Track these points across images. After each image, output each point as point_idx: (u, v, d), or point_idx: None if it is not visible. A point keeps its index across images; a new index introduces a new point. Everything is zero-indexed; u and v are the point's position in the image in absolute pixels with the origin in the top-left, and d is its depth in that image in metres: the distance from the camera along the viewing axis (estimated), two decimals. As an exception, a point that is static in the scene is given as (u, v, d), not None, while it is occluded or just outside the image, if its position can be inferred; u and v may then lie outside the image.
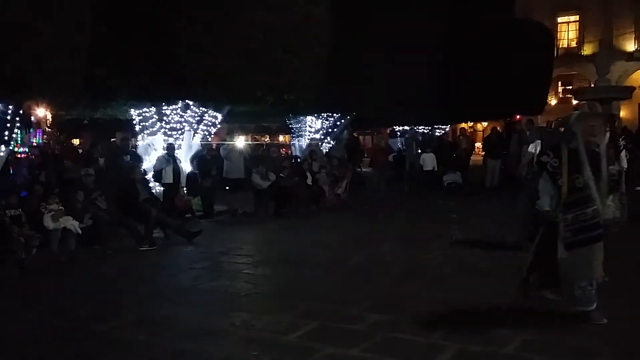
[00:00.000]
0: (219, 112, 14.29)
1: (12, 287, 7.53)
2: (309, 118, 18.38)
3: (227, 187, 14.31)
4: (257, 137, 30.05)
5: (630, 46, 33.60)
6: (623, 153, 10.08)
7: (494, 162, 17.73)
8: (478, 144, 27.04)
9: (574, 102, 26.54)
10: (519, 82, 18.89)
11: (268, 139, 30.48)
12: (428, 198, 16.25)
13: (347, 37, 14.25)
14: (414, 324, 5.53)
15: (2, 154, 10.51)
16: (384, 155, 19.25)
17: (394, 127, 23.58)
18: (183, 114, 13.45)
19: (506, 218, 11.43)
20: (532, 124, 16.47)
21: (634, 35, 33.61)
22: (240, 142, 17.37)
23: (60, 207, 9.00)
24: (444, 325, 5.55)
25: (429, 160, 18.35)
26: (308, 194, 14.32)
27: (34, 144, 16.26)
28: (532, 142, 11.12)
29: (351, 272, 7.92)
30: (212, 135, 15.17)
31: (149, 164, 13.16)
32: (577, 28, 35.50)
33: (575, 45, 35.28)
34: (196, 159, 14.11)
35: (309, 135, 18.78)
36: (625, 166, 10.14)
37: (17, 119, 10.66)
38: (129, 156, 13.04)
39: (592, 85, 23.73)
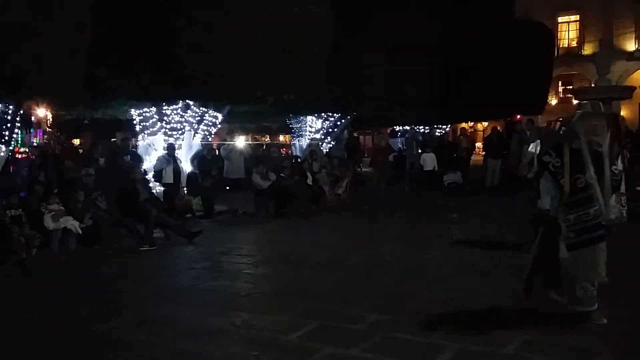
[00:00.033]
0: (219, 112, 14.30)
1: (12, 287, 7.54)
2: (309, 118, 18.38)
3: (228, 187, 14.31)
4: (257, 137, 30.04)
5: (630, 46, 33.58)
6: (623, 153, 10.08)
7: (495, 162, 17.73)
8: (478, 144, 27.03)
9: (574, 101, 26.56)
10: (519, 82, 18.88)
11: (268, 139, 30.48)
12: (428, 198, 16.25)
13: (347, 37, 14.25)
14: (414, 324, 5.53)
15: (2, 154, 10.52)
16: (384, 155, 19.25)
17: (394, 127, 23.59)
18: (183, 114, 13.46)
19: (506, 218, 11.45)
20: (532, 124, 16.46)
21: (634, 35, 33.59)
22: (241, 142, 17.36)
23: (61, 207, 9.01)
24: (444, 325, 5.55)
25: (429, 160, 18.35)
26: (308, 193, 14.33)
27: (34, 144, 16.27)
28: (532, 142, 11.12)
29: (351, 272, 7.92)
30: (213, 136, 15.18)
31: (149, 164, 13.17)
32: (578, 28, 35.48)
33: (575, 45, 35.26)
34: (196, 159, 14.12)
35: (309, 135, 18.78)
36: (620, 168, 10.13)
37: (17, 119, 10.67)
38: (129, 156, 13.05)
39: (593, 85, 23.74)
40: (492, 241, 9.51)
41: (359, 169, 19.47)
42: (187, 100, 13.09)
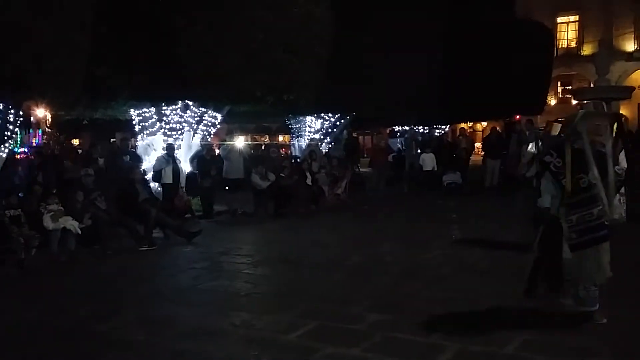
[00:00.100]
0: (219, 112, 14.30)
1: (12, 287, 7.53)
2: (308, 118, 18.39)
3: (227, 187, 14.30)
4: (256, 137, 30.03)
5: (629, 46, 33.59)
6: (622, 153, 10.08)
7: (494, 162, 17.73)
8: (478, 144, 27.02)
9: (574, 102, 26.57)
10: (518, 82, 18.89)
11: (267, 139, 30.47)
12: (427, 198, 16.26)
13: (347, 37, 14.25)
14: (414, 323, 5.52)
15: (2, 154, 10.51)
16: (384, 155, 19.26)
17: (394, 127, 23.59)
18: (183, 114, 13.46)
19: (506, 218, 11.47)
20: (531, 124, 16.48)
21: (633, 36, 33.59)
22: (240, 142, 17.35)
23: (60, 207, 9.00)
24: (444, 325, 5.55)
25: (428, 160, 18.35)
26: (308, 194, 14.33)
27: (33, 144, 16.26)
28: (531, 142, 11.12)
29: (351, 272, 7.91)
30: (212, 136, 15.18)
31: (148, 164, 13.17)
32: (577, 28, 35.49)
33: (575, 45, 35.26)
34: (196, 159, 14.11)
35: (308, 136, 18.79)
36: (625, 166, 10.14)
37: (17, 119, 10.66)
38: (128, 156, 13.04)
39: (592, 85, 23.74)
40: (491, 241, 9.51)
41: (357, 169, 19.47)
42: (186, 101, 13.08)
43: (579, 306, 5.51)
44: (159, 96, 12.44)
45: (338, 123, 19.16)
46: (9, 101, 10.01)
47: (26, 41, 8.62)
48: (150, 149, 13.59)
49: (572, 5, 34.58)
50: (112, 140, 18.94)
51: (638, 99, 28.60)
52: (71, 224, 8.90)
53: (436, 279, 7.34)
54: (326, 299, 6.47)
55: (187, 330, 5.55)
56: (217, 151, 16.12)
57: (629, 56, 33.03)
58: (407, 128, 22.33)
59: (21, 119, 11.30)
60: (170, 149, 12.68)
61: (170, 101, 13.02)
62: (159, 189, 12.45)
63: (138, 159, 13.04)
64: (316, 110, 17.19)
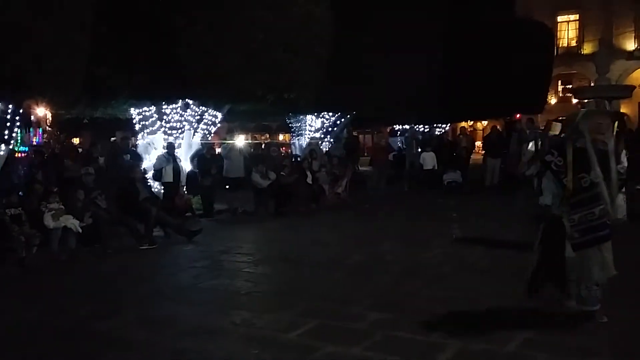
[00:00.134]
0: (219, 111, 14.30)
1: (12, 286, 7.54)
2: (309, 117, 18.39)
3: (227, 186, 14.30)
4: (257, 136, 30.04)
5: (630, 45, 33.59)
6: (623, 152, 10.10)
7: (494, 161, 17.73)
8: (478, 143, 27.03)
9: (574, 101, 26.58)
10: (518, 82, 18.90)
11: (268, 137, 30.48)
12: (428, 197, 16.26)
13: (347, 37, 14.26)
14: (415, 322, 5.52)
15: (2, 153, 10.51)
16: (384, 154, 19.26)
17: (394, 126, 23.58)
18: (183, 113, 13.45)
19: (506, 217, 11.48)
20: (532, 123, 16.50)
21: (633, 34, 33.61)
22: (240, 141, 17.36)
23: (61, 206, 9.01)
24: (445, 323, 5.55)
25: (429, 159, 18.35)
26: (308, 192, 14.33)
27: (34, 143, 16.25)
28: (531, 141, 11.13)
29: (351, 270, 7.92)
30: (212, 135, 15.18)
31: (149, 163, 13.17)
32: (577, 27, 35.51)
33: (575, 44, 35.28)
34: (196, 157, 14.12)
35: (309, 134, 18.79)
36: (626, 165, 10.17)
37: (17, 118, 10.65)
38: (129, 155, 13.05)
39: (592, 84, 23.76)
40: (492, 240, 9.51)
41: (357, 169, 19.47)
42: (186, 99, 13.08)
43: (581, 306, 5.50)
44: (159, 95, 12.44)
45: (338, 122, 19.16)
46: (9, 100, 10.01)
47: (26, 41, 8.61)
48: (150, 148, 13.59)
49: (572, 5, 34.59)
50: (112, 139, 18.94)
51: (638, 98, 28.58)
52: (72, 222, 8.90)
53: (437, 278, 7.34)
54: (327, 298, 6.47)
55: (188, 329, 5.56)
56: (217, 150, 16.12)
57: (630, 55, 33.05)
58: (407, 127, 22.34)
59: (21, 118, 11.30)
60: (170, 147, 12.69)
61: (170, 100, 13.02)
62: (160, 188, 12.46)
63: (138, 158, 13.05)
64: (316, 110, 17.20)
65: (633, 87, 23.33)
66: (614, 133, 5.67)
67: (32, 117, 15.50)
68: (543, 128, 13.89)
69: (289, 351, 4.99)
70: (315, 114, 18.08)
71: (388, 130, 24.15)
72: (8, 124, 10.28)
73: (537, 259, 5.96)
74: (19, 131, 12.24)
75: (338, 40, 13.91)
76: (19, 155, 13.22)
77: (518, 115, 20.97)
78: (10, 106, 10.14)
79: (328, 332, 5.37)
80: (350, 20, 14.54)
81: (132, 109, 13.61)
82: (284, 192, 13.65)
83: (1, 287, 7.45)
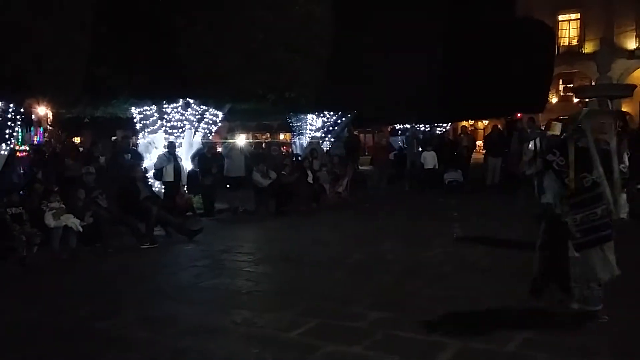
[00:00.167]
0: (220, 111, 14.30)
1: (13, 285, 7.55)
2: (309, 116, 18.40)
3: (228, 185, 14.30)
4: (257, 135, 30.04)
5: (631, 44, 33.57)
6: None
7: (495, 160, 17.72)
8: (479, 142, 27.04)
9: (575, 100, 26.56)
10: (519, 81, 18.89)
11: (269, 137, 30.47)
12: (429, 196, 16.25)
13: (348, 37, 14.26)
14: (415, 321, 5.52)
15: (3, 152, 10.52)
16: (385, 153, 19.26)
17: (395, 125, 23.58)
18: (184, 112, 13.46)
19: (507, 216, 11.47)
20: (533, 122, 16.48)
21: (635, 33, 33.58)
22: (241, 140, 17.37)
23: (62, 205, 9.02)
24: (445, 323, 5.55)
25: (429, 158, 18.33)
26: (309, 192, 14.33)
27: (35, 142, 16.27)
28: (532, 140, 11.11)
29: (352, 270, 7.92)
30: (213, 134, 15.19)
31: (149, 162, 13.18)
32: (578, 26, 35.48)
33: (576, 44, 35.26)
34: (197, 157, 14.13)
35: (309, 134, 18.79)
36: (627, 164, 10.15)
37: (19, 117, 10.66)
38: (129, 154, 13.05)
39: (593, 83, 23.73)
40: (493, 239, 9.51)
41: (356, 168, 19.47)
42: (187, 99, 13.09)
43: (584, 306, 5.49)
44: (160, 96, 12.44)
45: (339, 121, 19.16)
46: (10, 100, 10.01)
47: (26, 41, 8.63)
48: (151, 147, 13.60)
49: (573, 3, 34.58)
50: (113, 138, 18.94)
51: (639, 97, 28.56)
52: (73, 221, 8.91)
53: (437, 277, 7.34)
54: (327, 297, 6.47)
55: (189, 328, 5.56)
56: (218, 149, 16.13)
57: (631, 54, 33.03)
58: (408, 126, 22.34)
59: (22, 117, 11.32)
60: (171, 147, 12.70)
61: (171, 100, 13.03)
62: (161, 187, 12.46)
63: (139, 157, 13.06)
64: (317, 109, 17.21)
65: (634, 86, 23.30)
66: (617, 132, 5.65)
67: (33, 116, 15.52)
68: (544, 127, 13.91)
69: (289, 350, 4.99)
70: (316, 113, 18.08)
71: (389, 129, 24.14)
72: (9, 122, 10.30)
73: (542, 259, 5.94)
74: (19, 130, 12.26)
75: (338, 40, 13.91)
76: (20, 154, 13.23)
77: (519, 115, 20.96)
78: (11, 105, 10.16)
79: (329, 332, 5.37)
80: (350, 20, 14.55)
81: (132, 108, 13.63)
82: (284, 192, 13.65)
83: (2, 286, 7.46)
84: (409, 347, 4.99)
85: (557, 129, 6.35)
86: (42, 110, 15.98)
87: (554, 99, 33.11)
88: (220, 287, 7.19)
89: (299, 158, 16.91)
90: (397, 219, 12.55)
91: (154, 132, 13.58)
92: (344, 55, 14.25)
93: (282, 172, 14.06)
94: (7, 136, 10.38)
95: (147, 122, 13.62)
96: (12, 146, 11.02)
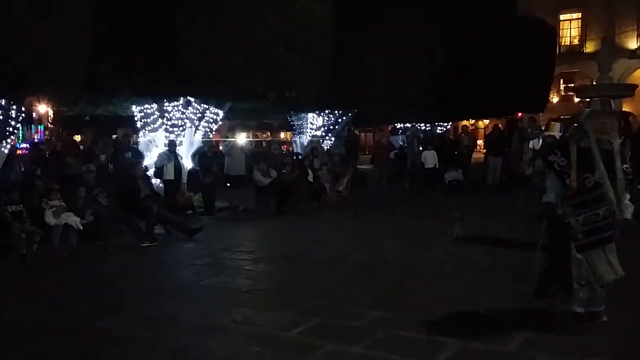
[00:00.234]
0: (221, 109, 14.30)
1: (13, 283, 7.55)
2: (310, 115, 18.39)
3: (228, 184, 14.31)
4: (258, 134, 30.03)
5: (632, 44, 33.56)
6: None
7: (496, 160, 17.70)
8: (480, 142, 27.01)
9: (576, 99, 26.54)
10: (520, 80, 18.86)
11: (269, 135, 30.47)
12: (429, 195, 16.25)
13: (349, 36, 14.25)
14: (416, 321, 5.51)
15: (4, 150, 10.52)
16: (386, 153, 19.23)
17: (396, 124, 23.56)
18: (184, 110, 13.46)
19: (508, 215, 11.46)
20: (533, 122, 16.48)
21: (636, 33, 33.57)
22: (242, 138, 17.36)
23: (62, 203, 9.02)
24: (446, 322, 5.53)
25: (430, 158, 18.31)
26: (309, 191, 14.33)
27: (35, 140, 16.25)
28: (533, 140, 11.12)
29: (352, 269, 7.92)
30: (214, 132, 15.18)
31: (150, 160, 13.18)
32: (580, 25, 35.47)
33: (577, 43, 35.24)
34: (197, 155, 14.13)
35: (310, 133, 18.78)
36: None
37: (19, 115, 10.66)
38: (130, 153, 13.05)
39: (594, 83, 23.72)
40: (493, 238, 9.48)
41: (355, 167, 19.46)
42: (188, 97, 13.09)
43: (586, 307, 5.48)
44: (160, 95, 12.45)
45: (340, 120, 19.16)
46: (10, 98, 10.01)
47: (27, 41, 8.63)
48: (152, 145, 13.60)
49: (574, 3, 34.56)
50: (114, 136, 18.95)
51: (640, 97, 28.55)
52: (73, 220, 8.91)
53: (438, 277, 7.34)
54: (327, 296, 6.47)
55: (189, 326, 5.56)
56: (219, 147, 16.12)
57: (632, 54, 33.02)
58: (409, 125, 22.32)
59: (23, 115, 11.31)
60: (171, 145, 12.70)
61: (172, 98, 13.02)
62: (161, 185, 12.46)
63: (140, 155, 13.05)
64: (317, 108, 17.21)
65: (635, 86, 23.30)
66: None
67: (34, 114, 15.50)
68: (544, 127, 13.91)
69: (289, 349, 4.99)
70: (317, 112, 18.08)
71: (389, 128, 24.13)
72: (10, 120, 10.29)
73: (543, 259, 5.92)
74: (20, 128, 12.25)
75: (339, 39, 13.91)
76: (20, 151, 13.23)
77: (520, 114, 20.94)
78: (12, 103, 10.15)
79: (329, 331, 5.37)
80: (351, 20, 14.54)
81: (133, 107, 13.63)
82: (285, 190, 13.65)
83: (2, 284, 7.46)
84: (409, 346, 4.99)
85: (555, 129, 6.35)
86: (43, 108, 15.94)
87: (554, 99, 33.09)
88: (220, 285, 7.19)
89: (300, 157, 16.91)
90: (398, 219, 12.54)
91: (155, 130, 13.58)
92: (345, 54, 14.25)
93: (283, 171, 14.06)
94: (7, 134, 10.37)
95: (148, 120, 13.62)
96: (12, 144, 11.01)
